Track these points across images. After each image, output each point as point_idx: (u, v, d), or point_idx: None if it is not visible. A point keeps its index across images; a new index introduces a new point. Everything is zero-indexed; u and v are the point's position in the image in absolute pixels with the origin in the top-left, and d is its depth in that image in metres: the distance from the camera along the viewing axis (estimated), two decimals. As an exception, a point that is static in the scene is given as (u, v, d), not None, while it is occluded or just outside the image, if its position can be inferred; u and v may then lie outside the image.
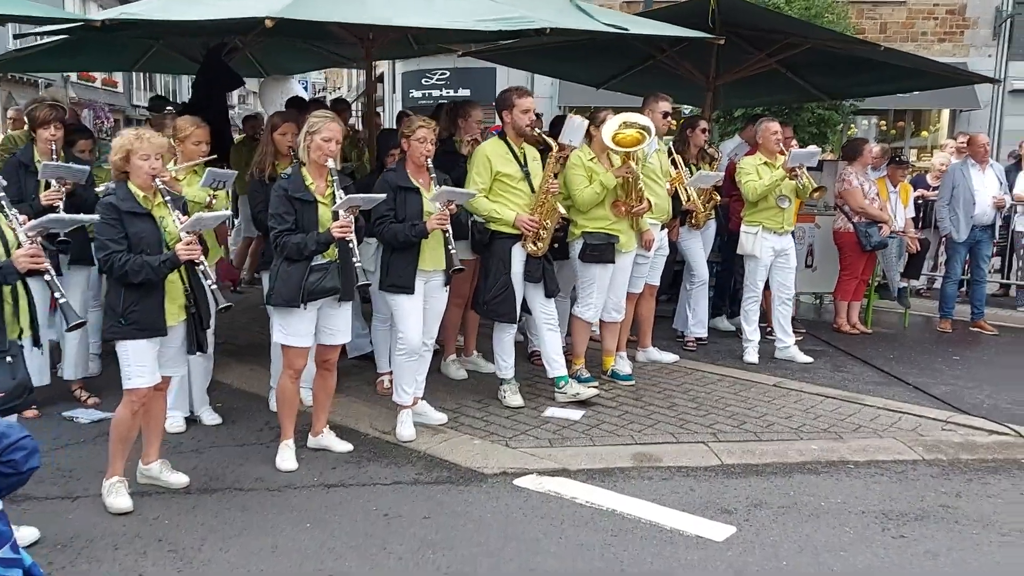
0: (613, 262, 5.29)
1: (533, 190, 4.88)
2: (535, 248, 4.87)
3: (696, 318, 6.76)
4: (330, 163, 4.04)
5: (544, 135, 4.95)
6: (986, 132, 12.72)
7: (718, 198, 6.64)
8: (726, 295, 7.68)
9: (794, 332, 6.68)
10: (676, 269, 7.06)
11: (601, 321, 5.64)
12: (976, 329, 7.89)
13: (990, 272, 8.49)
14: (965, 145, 8.55)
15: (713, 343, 6.88)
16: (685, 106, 10.59)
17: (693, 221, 6.46)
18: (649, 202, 5.30)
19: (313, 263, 4.01)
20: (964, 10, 17.35)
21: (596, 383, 5.40)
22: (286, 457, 4.21)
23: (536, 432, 4.69)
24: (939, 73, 7.90)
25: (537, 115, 6.18)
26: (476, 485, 4.05)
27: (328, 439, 4.43)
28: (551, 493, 3.95)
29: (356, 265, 4.00)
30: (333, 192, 4.04)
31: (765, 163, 6.26)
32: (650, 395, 5.43)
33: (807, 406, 5.28)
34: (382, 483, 4.05)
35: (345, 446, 4.43)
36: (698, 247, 6.66)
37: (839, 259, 7.63)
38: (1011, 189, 8.48)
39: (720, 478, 4.18)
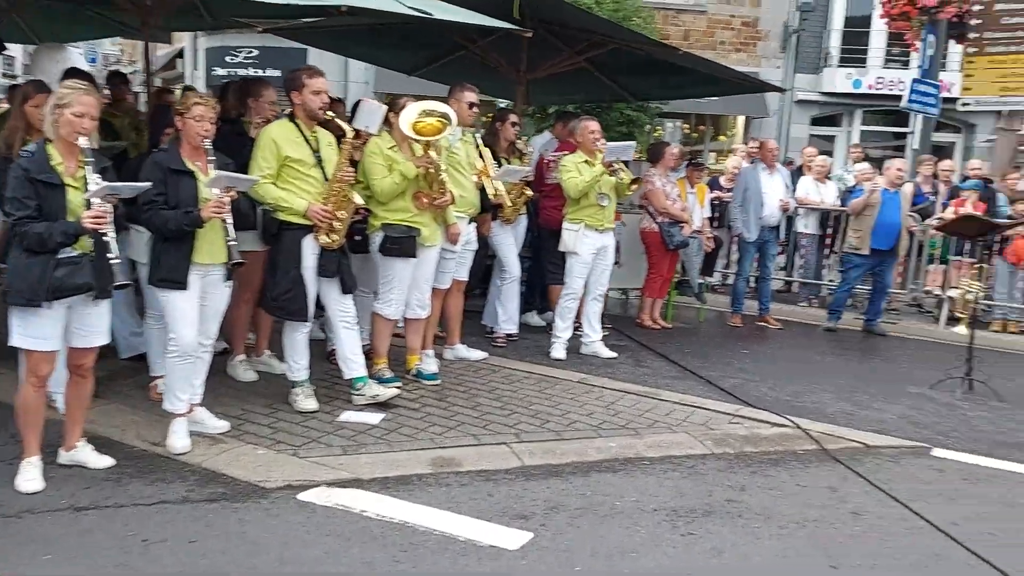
0: (415, 256, 5.06)
1: (327, 178, 4.55)
2: (329, 240, 4.53)
3: (507, 314, 6.69)
4: (82, 142, 3.50)
5: (337, 119, 4.62)
6: (775, 138, 13.69)
7: (529, 193, 6.60)
8: (536, 291, 7.68)
9: (601, 327, 6.76)
10: (488, 264, 6.96)
11: (405, 318, 5.40)
12: (763, 324, 8.38)
13: (776, 270, 9.06)
14: (756, 149, 9.07)
15: (523, 339, 6.83)
16: (501, 100, 10.57)
17: (503, 216, 6.37)
18: (452, 194, 5.12)
19: (61, 256, 3.47)
20: (757, 23, 18.63)
21: (399, 383, 5.15)
22: (29, 477, 3.64)
23: (329, 439, 4.37)
24: (733, 79, 8.30)
25: (337, 99, 5.89)
26: (255, 502, 3.68)
27: (84, 454, 3.88)
28: (339, 507, 3.66)
29: (113, 262, 3.50)
30: (86, 175, 3.51)
31: (585, 161, 6.29)
32: (455, 395, 5.25)
33: (608, 402, 5.30)
34: (145, 503, 3.59)
35: (104, 461, 3.90)
36: (510, 242, 6.59)
37: (647, 258, 7.85)
38: (795, 192, 9.10)
39: (520, 481, 4.06)
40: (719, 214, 9.42)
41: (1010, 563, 3.44)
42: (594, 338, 6.59)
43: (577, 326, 6.71)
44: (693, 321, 8.42)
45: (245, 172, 4.42)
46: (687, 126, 19.73)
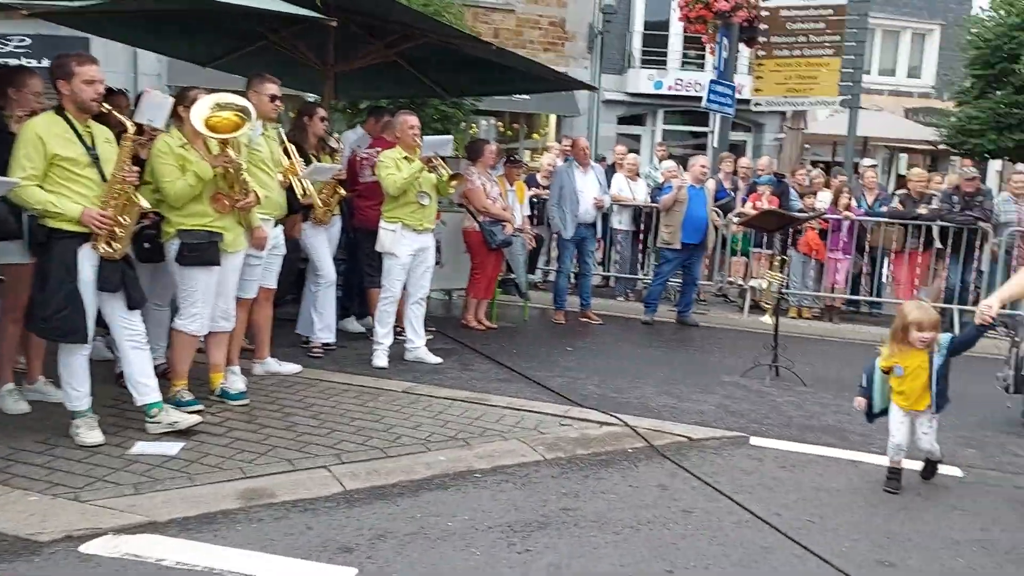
0: (217, 264, 4.58)
1: (105, 178, 3.98)
2: (110, 250, 3.97)
3: (323, 322, 6.28)
4: None
5: (115, 112, 4.05)
6: (585, 137, 14.04)
7: (343, 192, 6.24)
8: (354, 295, 7.32)
9: (425, 331, 6.53)
10: (300, 268, 6.52)
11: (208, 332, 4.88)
12: (585, 319, 8.47)
13: (595, 265, 9.18)
14: (569, 148, 9.16)
15: (342, 348, 6.46)
16: (310, 95, 10.09)
17: (315, 217, 5.98)
18: (256, 195, 4.67)
19: None
20: (564, 24, 19.08)
21: (201, 407, 4.64)
22: None
23: (119, 476, 3.81)
24: (547, 76, 8.31)
25: (119, 91, 5.25)
26: (26, 559, 3.11)
27: None
28: (130, 557, 3.16)
29: None
30: None
31: (405, 157, 6.02)
32: (266, 415, 4.80)
33: (436, 412, 5.06)
34: None
35: None
36: (323, 245, 6.20)
37: (470, 258, 7.71)
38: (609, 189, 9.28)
39: (342, 509, 3.72)
40: (538, 212, 9.44)
41: (831, 549, 3.53)
42: (418, 343, 6.33)
43: (400, 331, 6.44)
44: (518, 320, 8.36)
45: (4, 173, 3.78)
46: (501, 124, 19.91)
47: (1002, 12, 14.49)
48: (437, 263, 7.60)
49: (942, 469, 4.57)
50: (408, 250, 6.07)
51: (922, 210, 9.00)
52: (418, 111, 11.56)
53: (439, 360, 6.27)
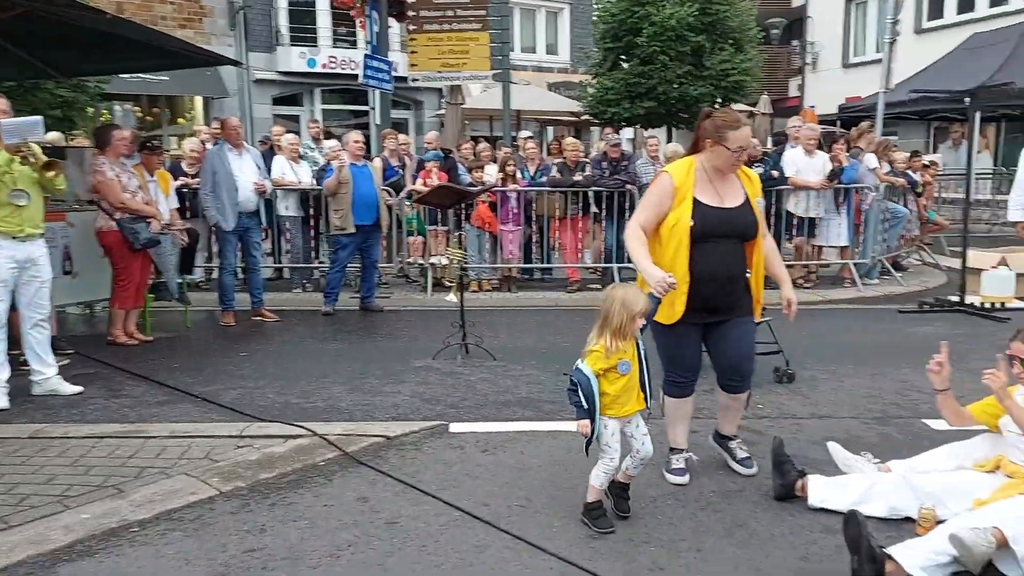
0: None
1: None
2: None
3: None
4: None
5: None
6: (239, 119, 12.98)
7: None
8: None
9: (58, 355, 5.43)
10: None
11: None
12: (258, 318, 7.74)
13: (263, 257, 8.39)
14: (219, 130, 8.26)
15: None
16: None
17: None
18: None
19: None
20: (199, -2, 17.54)
21: None
22: None
23: None
24: (178, 50, 7.36)
25: None
26: None
27: None
28: None
29: None
30: None
31: None
32: None
33: (76, 457, 4.12)
34: None
35: None
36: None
37: (111, 263, 6.60)
38: (270, 173, 8.54)
39: (-59, 615, 2.79)
40: (188, 203, 8.43)
41: (542, 533, 3.37)
42: (47, 373, 5.24)
43: (23, 361, 5.27)
44: (179, 328, 7.37)
45: None
46: (139, 109, 17.86)
47: (623, -11, 15.83)
48: (67, 273, 6.47)
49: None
50: (8, 263, 4.95)
51: (578, 177, 9.49)
52: (28, 96, 9.83)
53: (79, 389, 5.25)
